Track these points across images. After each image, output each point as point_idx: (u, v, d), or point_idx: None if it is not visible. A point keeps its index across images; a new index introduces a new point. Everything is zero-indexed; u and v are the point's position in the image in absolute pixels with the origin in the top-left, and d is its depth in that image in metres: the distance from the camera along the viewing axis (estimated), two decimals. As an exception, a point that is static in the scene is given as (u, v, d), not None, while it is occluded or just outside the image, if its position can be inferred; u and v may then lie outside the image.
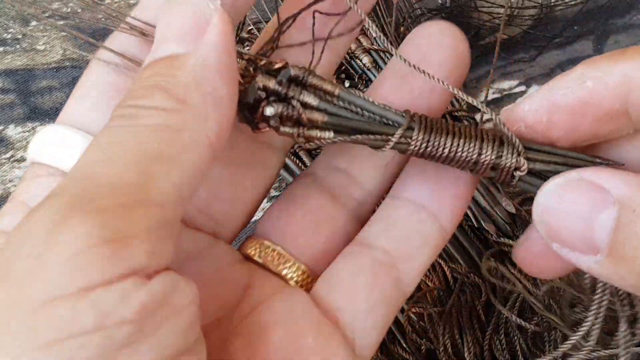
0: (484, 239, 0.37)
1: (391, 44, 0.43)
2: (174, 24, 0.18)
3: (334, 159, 0.24)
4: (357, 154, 0.24)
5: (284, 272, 0.22)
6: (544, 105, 0.20)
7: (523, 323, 0.32)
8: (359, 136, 0.20)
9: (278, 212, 0.24)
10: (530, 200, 0.40)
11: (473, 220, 0.37)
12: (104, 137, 0.16)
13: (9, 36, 0.47)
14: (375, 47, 0.42)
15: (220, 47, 0.17)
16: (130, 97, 0.17)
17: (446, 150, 0.20)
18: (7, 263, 0.14)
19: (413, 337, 0.33)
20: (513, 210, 0.37)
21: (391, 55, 0.42)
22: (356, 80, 0.42)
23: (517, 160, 0.20)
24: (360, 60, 0.42)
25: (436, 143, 0.20)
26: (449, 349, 0.33)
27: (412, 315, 0.34)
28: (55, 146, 0.20)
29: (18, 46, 0.47)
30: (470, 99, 0.21)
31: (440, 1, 0.50)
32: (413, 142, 0.20)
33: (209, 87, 0.17)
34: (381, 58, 0.42)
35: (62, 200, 0.15)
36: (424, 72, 0.21)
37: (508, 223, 0.36)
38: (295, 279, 0.22)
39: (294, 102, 0.20)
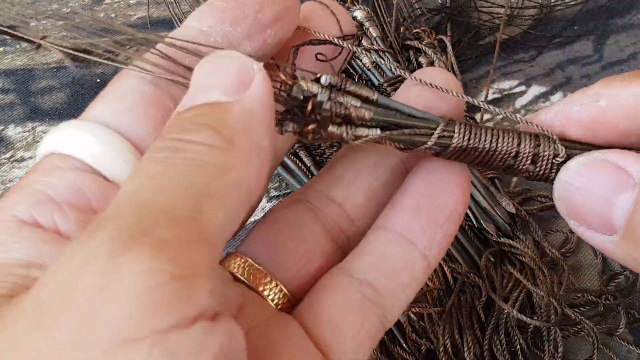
0: (484, 239, 0.37)
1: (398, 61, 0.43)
2: (218, 74, 0.18)
3: (329, 189, 0.24)
4: (352, 183, 0.24)
5: (265, 292, 0.22)
6: (559, 118, 0.21)
7: (523, 317, 0.32)
8: (404, 130, 0.20)
9: (267, 233, 0.23)
10: (530, 200, 0.40)
11: (473, 220, 0.37)
12: (151, 166, 0.16)
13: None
14: (375, 47, 0.42)
15: (265, 102, 0.18)
16: (176, 130, 0.17)
17: (487, 144, 0.20)
18: (64, 294, 0.13)
19: (413, 337, 0.34)
20: (513, 210, 0.37)
21: (390, 55, 0.42)
22: (356, 80, 0.42)
23: (555, 147, 0.20)
24: (360, 60, 0.42)
25: (478, 136, 0.21)
26: (449, 349, 0.33)
27: (412, 315, 0.34)
28: (80, 140, 0.19)
29: (18, 46, 0.47)
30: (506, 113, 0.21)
31: (440, 1, 0.50)
32: (456, 135, 0.20)
33: (254, 134, 0.17)
34: (381, 58, 0.42)
35: (118, 227, 0.14)
36: (435, 86, 0.22)
37: (508, 223, 0.36)
38: (275, 300, 0.22)
39: (342, 99, 0.20)
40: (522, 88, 0.47)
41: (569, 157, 0.20)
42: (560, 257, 0.36)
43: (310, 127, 0.20)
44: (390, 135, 0.20)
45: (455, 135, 0.20)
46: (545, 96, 0.46)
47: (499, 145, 0.21)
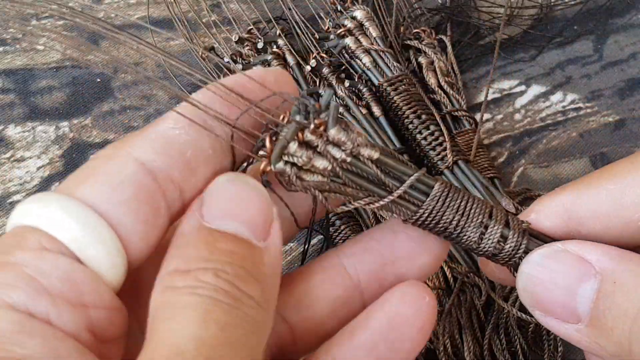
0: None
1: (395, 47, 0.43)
2: (244, 206, 0.18)
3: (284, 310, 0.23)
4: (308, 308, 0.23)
5: None
6: None
7: (524, 316, 0.32)
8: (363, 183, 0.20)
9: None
10: (530, 200, 0.40)
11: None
12: (220, 313, 0.16)
13: (9, 36, 0.47)
14: (375, 47, 0.42)
15: (280, 253, 0.19)
16: (215, 258, 0.17)
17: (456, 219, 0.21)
18: None
19: (413, 337, 0.33)
20: (513, 210, 0.37)
21: (390, 55, 0.42)
22: (356, 80, 0.42)
23: (520, 239, 0.21)
24: (360, 60, 0.42)
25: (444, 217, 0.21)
26: (449, 349, 0.33)
27: (412, 315, 0.34)
28: (65, 221, 0.17)
29: (18, 46, 0.47)
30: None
31: (440, 1, 0.50)
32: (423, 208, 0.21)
33: (275, 290, 0.18)
34: (381, 58, 0.42)
35: None
36: None
37: (508, 223, 0.36)
38: None
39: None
40: (522, 88, 0.47)
41: (528, 250, 0.21)
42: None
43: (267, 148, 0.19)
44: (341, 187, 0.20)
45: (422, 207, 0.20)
46: (545, 96, 0.46)
47: (468, 220, 0.21)
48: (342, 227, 0.37)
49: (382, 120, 0.40)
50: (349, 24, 0.44)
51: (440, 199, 0.20)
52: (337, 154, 0.19)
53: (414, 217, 0.21)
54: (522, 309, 0.34)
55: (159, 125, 0.19)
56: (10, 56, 0.46)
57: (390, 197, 0.20)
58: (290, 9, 0.45)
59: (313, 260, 0.23)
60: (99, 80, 0.45)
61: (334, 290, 0.22)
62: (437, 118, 0.40)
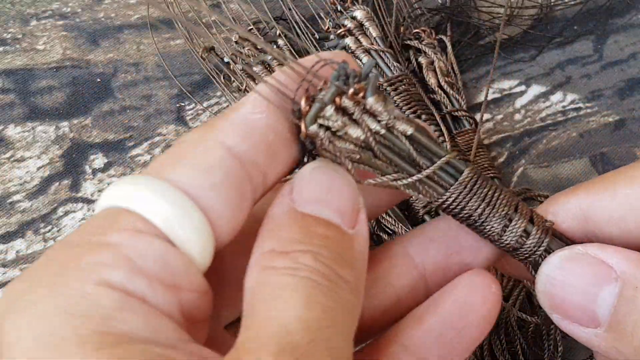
0: (484, 239, 0.37)
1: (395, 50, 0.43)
2: (336, 194, 0.19)
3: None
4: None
5: None
6: None
7: (524, 316, 0.32)
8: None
9: None
10: (530, 200, 0.40)
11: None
12: (321, 296, 0.16)
13: (9, 36, 0.47)
14: (375, 47, 0.42)
15: (367, 242, 0.19)
16: (309, 241, 0.18)
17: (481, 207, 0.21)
18: None
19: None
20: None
21: (390, 55, 0.42)
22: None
23: (543, 238, 0.21)
24: (360, 60, 0.42)
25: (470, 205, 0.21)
26: (449, 349, 0.33)
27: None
28: (158, 204, 0.17)
29: (18, 46, 0.47)
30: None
31: (440, 1, 0.50)
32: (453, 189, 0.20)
33: (364, 278, 0.19)
34: (381, 58, 0.42)
35: None
36: None
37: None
38: None
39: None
40: (522, 88, 0.47)
41: (550, 249, 0.21)
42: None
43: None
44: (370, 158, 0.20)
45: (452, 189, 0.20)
46: (545, 96, 0.46)
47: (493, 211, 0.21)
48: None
49: (382, 120, 0.40)
50: (349, 24, 0.44)
51: (469, 185, 0.20)
52: (372, 124, 0.19)
53: (440, 200, 0.20)
54: (522, 309, 0.34)
55: (239, 109, 0.19)
56: (10, 56, 0.46)
57: (420, 176, 0.20)
58: (290, 9, 0.45)
59: (377, 248, 0.24)
60: (99, 80, 0.45)
61: (400, 279, 0.23)
62: (437, 118, 0.40)
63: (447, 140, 0.39)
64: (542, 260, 0.21)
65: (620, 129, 0.45)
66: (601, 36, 0.49)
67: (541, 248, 0.21)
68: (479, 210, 0.20)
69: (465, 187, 0.20)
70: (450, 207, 0.20)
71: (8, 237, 0.39)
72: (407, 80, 0.41)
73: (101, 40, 0.47)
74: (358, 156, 0.19)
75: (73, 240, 0.17)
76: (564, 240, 0.21)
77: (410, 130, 0.19)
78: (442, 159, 0.20)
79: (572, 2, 0.51)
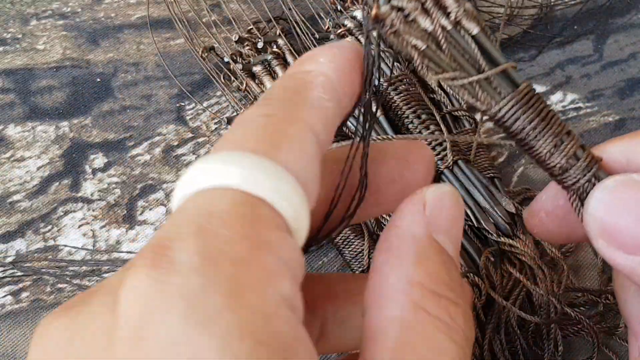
0: (483, 239, 0.37)
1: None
2: (458, 226, 0.19)
3: None
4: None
5: None
6: (560, 190, 0.21)
7: (523, 314, 0.32)
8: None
9: None
10: (530, 200, 0.40)
11: (473, 220, 0.37)
12: (426, 327, 0.16)
13: (9, 35, 0.47)
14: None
15: None
16: (468, 314, 0.18)
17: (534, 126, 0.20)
18: None
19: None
20: (513, 210, 0.37)
21: (390, 55, 0.42)
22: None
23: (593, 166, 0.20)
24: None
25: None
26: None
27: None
28: (288, 195, 0.16)
29: (18, 45, 0.47)
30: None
31: (440, 1, 0.50)
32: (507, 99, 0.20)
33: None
34: (381, 58, 0.42)
35: None
36: None
37: (508, 223, 0.36)
38: None
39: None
40: (522, 88, 0.47)
41: (598, 177, 0.20)
42: (560, 257, 0.36)
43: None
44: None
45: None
46: (545, 96, 0.46)
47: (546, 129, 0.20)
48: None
49: (382, 119, 0.40)
50: (349, 23, 0.44)
51: (527, 96, 0.20)
52: (442, 18, 0.19)
53: (496, 108, 0.20)
54: (522, 309, 0.34)
55: (312, 92, 0.18)
56: (10, 56, 0.46)
57: (481, 75, 0.19)
58: (290, 9, 0.45)
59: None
60: (99, 80, 0.45)
61: None
62: (437, 118, 0.40)
63: (446, 140, 0.39)
64: (590, 187, 0.20)
65: (620, 129, 0.45)
66: (601, 36, 0.49)
67: (590, 172, 0.20)
68: (533, 124, 0.20)
69: (523, 97, 0.20)
70: (505, 117, 0.20)
71: (8, 237, 0.39)
72: (407, 80, 0.41)
73: (101, 40, 0.47)
74: (425, 46, 0.19)
75: (237, 234, 0.14)
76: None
77: (475, 30, 0.19)
78: (505, 64, 0.19)
79: (572, 2, 0.51)
